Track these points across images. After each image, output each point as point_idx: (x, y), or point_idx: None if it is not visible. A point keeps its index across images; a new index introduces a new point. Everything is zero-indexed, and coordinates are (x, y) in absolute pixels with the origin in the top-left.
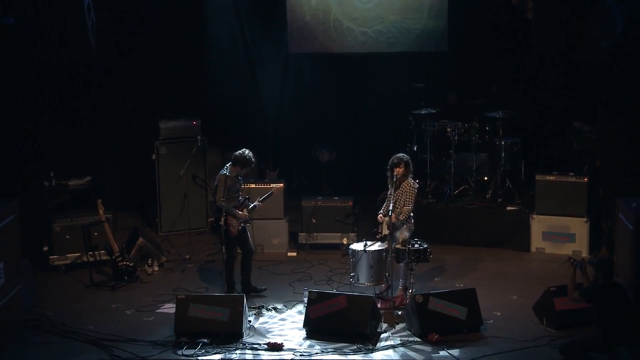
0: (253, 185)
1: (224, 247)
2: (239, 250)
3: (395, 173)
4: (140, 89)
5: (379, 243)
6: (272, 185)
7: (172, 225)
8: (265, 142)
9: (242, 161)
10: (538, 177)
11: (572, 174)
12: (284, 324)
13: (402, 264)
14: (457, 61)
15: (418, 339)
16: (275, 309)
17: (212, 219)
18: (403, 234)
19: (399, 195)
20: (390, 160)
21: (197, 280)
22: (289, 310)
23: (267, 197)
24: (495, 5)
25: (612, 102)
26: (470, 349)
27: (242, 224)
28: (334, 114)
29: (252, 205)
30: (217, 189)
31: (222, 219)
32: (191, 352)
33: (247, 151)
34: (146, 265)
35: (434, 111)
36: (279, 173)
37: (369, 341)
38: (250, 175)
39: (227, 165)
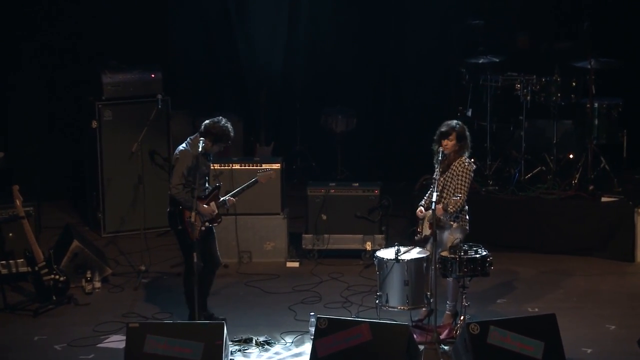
0: (237, 166)
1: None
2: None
3: (442, 148)
4: (76, 28)
5: (417, 249)
6: (262, 165)
7: (120, 223)
8: (255, 104)
9: (215, 133)
10: None
11: None
12: None
13: (450, 279)
14: None
15: None
16: (268, 342)
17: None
18: (452, 235)
19: (447, 180)
20: (438, 130)
21: (157, 301)
22: (288, 344)
23: (248, 186)
24: None
25: None
26: None
27: (207, 223)
28: (353, 65)
29: (223, 198)
30: (175, 170)
31: (192, 214)
32: None
33: (223, 121)
34: (84, 280)
35: (498, 60)
36: (275, 148)
37: None
38: (233, 151)
39: (192, 137)
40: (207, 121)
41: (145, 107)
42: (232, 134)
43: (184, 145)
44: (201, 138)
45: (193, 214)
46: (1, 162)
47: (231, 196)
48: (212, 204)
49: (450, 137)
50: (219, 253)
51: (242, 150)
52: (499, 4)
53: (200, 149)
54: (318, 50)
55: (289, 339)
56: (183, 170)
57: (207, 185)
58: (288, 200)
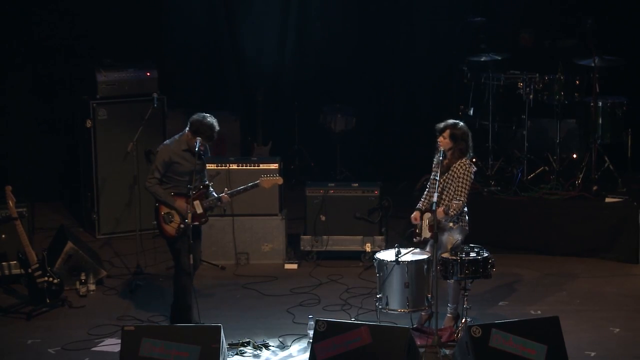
0: (234, 166)
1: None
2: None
3: (439, 146)
4: (70, 25)
5: (417, 250)
6: (260, 165)
7: (115, 224)
8: (252, 102)
9: (194, 124)
10: None
11: None
12: None
13: (451, 282)
14: None
15: None
16: (266, 346)
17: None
18: (453, 237)
19: (447, 182)
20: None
21: (153, 304)
22: (286, 348)
23: (246, 189)
24: None
25: None
26: None
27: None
28: (353, 63)
29: (216, 196)
30: (152, 164)
31: (189, 215)
32: None
33: (208, 117)
34: (78, 283)
35: (500, 57)
36: (273, 148)
37: None
38: (230, 151)
39: (180, 133)
40: (194, 116)
41: (141, 106)
42: (213, 129)
43: (168, 140)
44: (187, 135)
45: (189, 215)
46: None
47: (227, 194)
48: (197, 202)
49: (444, 135)
50: (200, 255)
51: (239, 149)
52: (501, 1)
53: (179, 146)
54: (317, 48)
55: (287, 342)
56: (157, 165)
57: (205, 182)
58: (286, 200)
